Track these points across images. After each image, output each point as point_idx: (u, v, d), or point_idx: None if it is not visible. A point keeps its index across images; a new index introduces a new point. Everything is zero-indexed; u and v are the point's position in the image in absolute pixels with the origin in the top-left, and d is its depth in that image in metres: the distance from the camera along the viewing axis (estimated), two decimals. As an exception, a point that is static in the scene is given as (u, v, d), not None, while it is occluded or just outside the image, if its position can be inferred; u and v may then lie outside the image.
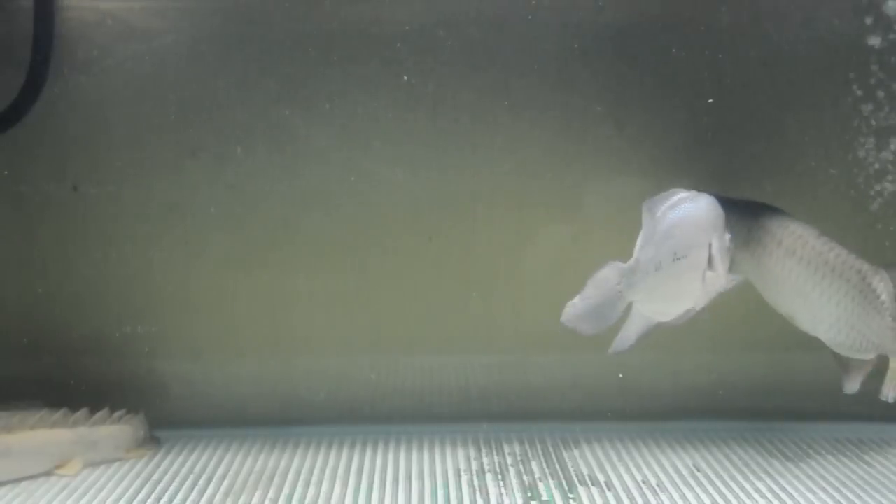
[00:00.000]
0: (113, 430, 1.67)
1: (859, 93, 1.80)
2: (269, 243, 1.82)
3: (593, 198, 1.83)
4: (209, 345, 1.85)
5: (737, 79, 1.81)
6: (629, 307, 1.52)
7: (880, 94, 1.79)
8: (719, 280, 1.51)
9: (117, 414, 1.69)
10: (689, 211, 1.49)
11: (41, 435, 1.59)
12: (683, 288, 1.50)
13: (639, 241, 1.49)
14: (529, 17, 1.78)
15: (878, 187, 1.82)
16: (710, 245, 1.49)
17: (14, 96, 1.73)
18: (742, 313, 1.84)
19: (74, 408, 1.66)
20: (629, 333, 1.55)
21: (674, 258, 1.48)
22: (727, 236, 1.51)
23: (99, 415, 1.67)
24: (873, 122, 1.80)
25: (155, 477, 1.59)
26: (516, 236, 1.83)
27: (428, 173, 1.82)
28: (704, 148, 1.83)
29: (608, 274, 1.49)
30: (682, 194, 1.50)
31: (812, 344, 1.87)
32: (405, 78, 1.79)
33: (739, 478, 1.57)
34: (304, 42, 1.78)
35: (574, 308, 1.49)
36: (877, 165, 1.81)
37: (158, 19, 1.77)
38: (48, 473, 1.59)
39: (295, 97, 1.80)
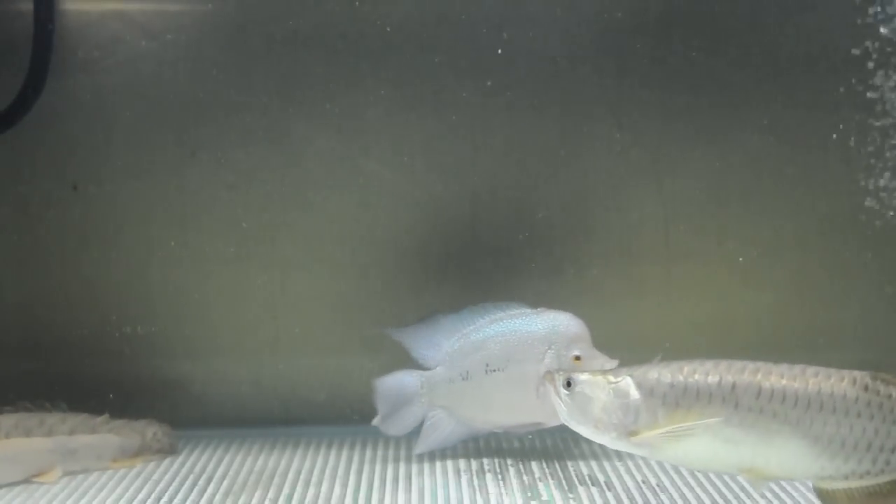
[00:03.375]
0: (94, 440, 1.62)
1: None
2: (269, 243, 1.82)
3: (592, 198, 1.84)
4: (209, 345, 1.85)
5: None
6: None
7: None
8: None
9: (100, 419, 1.65)
10: (510, 326, 1.59)
11: (16, 443, 1.55)
12: (507, 400, 1.58)
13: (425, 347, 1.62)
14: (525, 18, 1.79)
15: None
16: (543, 360, 1.56)
17: (14, 96, 1.73)
18: (742, 314, 1.85)
19: (73, 408, 1.66)
20: (430, 437, 1.65)
21: (486, 370, 1.58)
22: (576, 352, 1.55)
23: (78, 420, 1.62)
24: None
25: (155, 477, 1.59)
26: (516, 236, 1.83)
27: (428, 173, 1.82)
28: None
29: (403, 381, 1.62)
30: (513, 309, 1.60)
31: (812, 344, 1.87)
32: (405, 77, 1.80)
33: (740, 477, 1.56)
34: (305, 42, 1.78)
35: (381, 411, 1.63)
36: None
37: (158, 19, 1.78)
38: (26, 482, 1.54)
39: (295, 97, 1.80)
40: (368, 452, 1.72)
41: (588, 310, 1.62)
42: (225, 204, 1.81)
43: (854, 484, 1.23)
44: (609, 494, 1.49)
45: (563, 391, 1.30)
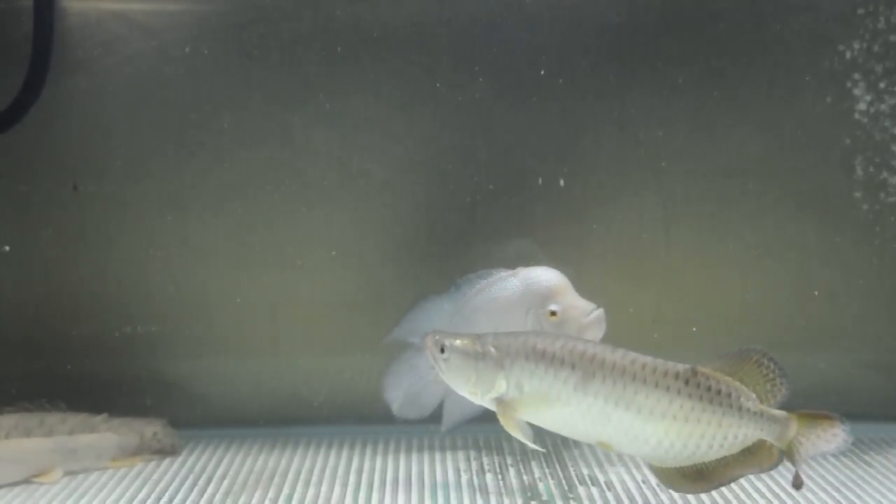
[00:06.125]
0: (93, 439, 1.61)
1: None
2: (269, 243, 1.82)
3: (592, 196, 1.84)
4: (209, 345, 1.85)
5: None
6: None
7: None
8: None
9: (99, 418, 1.65)
10: (491, 294, 1.57)
11: (16, 443, 1.55)
12: None
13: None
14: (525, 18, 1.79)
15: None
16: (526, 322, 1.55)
17: (14, 96, 1.73)
18: (742, 314, 1.85)
19: (73, 408, 1.66)
20: (453, 414, 1.63)
21: None
22: (552, 307, 1.53)
23: (77, 420, 1.62)
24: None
25: (155, 477, 1.59)
26: (517, 236, 1.83)
27: (428, 173, 1.82)
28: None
29: (414, 365, 1.61)
30: (494, 276, 1.58)
31: (811, 345, 1.87)
32: (405, 76, 1.80)
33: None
34: (304, 42, 1.78)
35: (395, 399, 1.62)
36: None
37: (158, 19, 1.78)
38: (26, 482, 1.54)
39: (295, 97, 1.80)
40: (368, 452, 1.72)
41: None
42: (225, 204, 1.81)
43: (684, 463, 1.31)
44: (609, 494, 1.49)
45: (440, 356, 1.36)
